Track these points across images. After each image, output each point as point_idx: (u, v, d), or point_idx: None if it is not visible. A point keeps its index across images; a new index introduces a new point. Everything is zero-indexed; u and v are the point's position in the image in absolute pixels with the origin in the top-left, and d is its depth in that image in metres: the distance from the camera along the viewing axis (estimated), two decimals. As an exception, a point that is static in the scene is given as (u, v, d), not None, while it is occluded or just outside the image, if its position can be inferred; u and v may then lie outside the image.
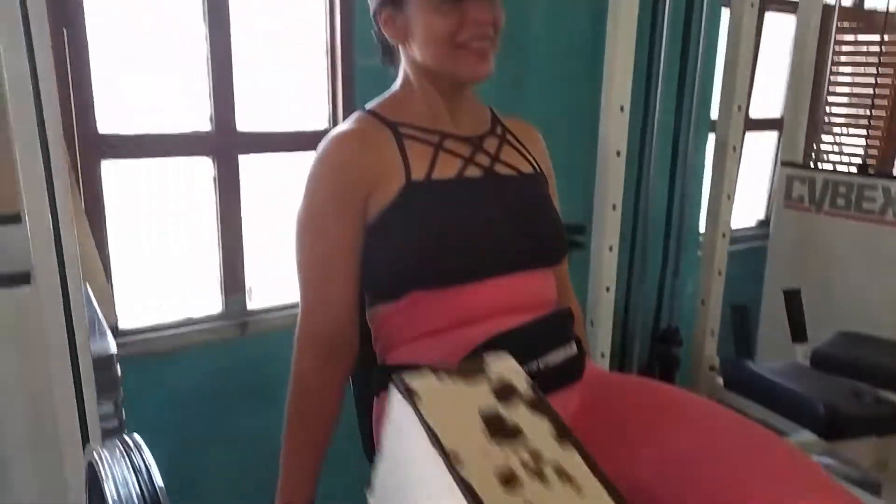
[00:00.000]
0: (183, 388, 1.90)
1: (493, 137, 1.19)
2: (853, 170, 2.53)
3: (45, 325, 1.17)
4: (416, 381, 0.67)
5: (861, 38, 2.83)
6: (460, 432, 0.61)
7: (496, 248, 1.09)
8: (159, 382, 1.87)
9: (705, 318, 2.62)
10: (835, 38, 2.55)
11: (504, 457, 0.60)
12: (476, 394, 0.68)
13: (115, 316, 1.82)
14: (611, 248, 2.25)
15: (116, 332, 1.82)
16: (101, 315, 1.43)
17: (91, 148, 1.73)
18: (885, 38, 2.65)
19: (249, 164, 1.99)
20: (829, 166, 2.53)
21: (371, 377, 1.19)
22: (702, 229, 2.96)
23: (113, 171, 1.81)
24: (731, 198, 2.54)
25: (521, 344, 1.04)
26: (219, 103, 1.88)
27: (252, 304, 2.06)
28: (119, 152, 1.79)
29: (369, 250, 1.11)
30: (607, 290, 2.29)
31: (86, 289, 1.36)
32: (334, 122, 2.06)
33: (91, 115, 1.73)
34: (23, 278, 1.18)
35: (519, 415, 0.66)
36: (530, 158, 1.22)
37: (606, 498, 0.59)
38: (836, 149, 2.77)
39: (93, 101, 1.73)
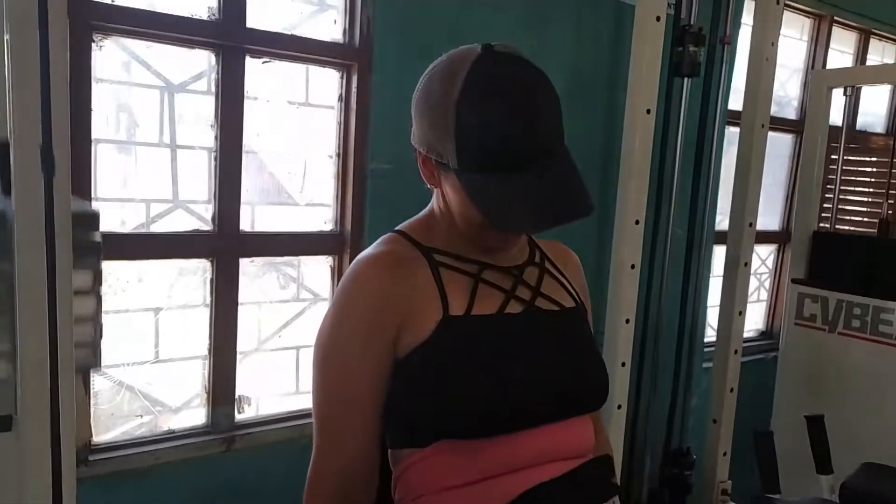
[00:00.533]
0: (159, 511, 1.72)
1: (533, 267, 1.10)
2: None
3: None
4: None
5: (864, 158, 2.87)
6: None
7: (539, 397, 0.99)
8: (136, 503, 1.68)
9: (717, 439, 2.49)
10: (843, 158, 2.58)
11: None
12: None
13: (90, 431, 1.66)
14: (623, 364, 2.16)
15: (89, 448, 1.65)
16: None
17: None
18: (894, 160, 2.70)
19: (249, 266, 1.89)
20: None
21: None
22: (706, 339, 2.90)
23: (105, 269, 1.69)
24: (742, 314, 2.47)
25: (562, 498, 0.92)
26: (223, 202, 1.79)
27: (241, 415, 1.90)
28: (113, 253, 1.68)
29: (397, 389, 1.00)
30: (619, 407, 2.18)
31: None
32: (341, 225, 1.97)
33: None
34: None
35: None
36: (571, 290, 1.13)
37: None
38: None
39: (90, 194, 1.63)
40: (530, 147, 0.92)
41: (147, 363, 1.83)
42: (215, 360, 1.84)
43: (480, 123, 0.92)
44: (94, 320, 1.54)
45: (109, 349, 1.77)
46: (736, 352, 2.46)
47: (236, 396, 1.89)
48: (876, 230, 2.71)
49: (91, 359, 1.55)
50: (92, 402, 1.70)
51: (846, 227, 2.88)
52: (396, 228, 1.09)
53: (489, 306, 1.02)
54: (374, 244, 1.06)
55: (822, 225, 2.66)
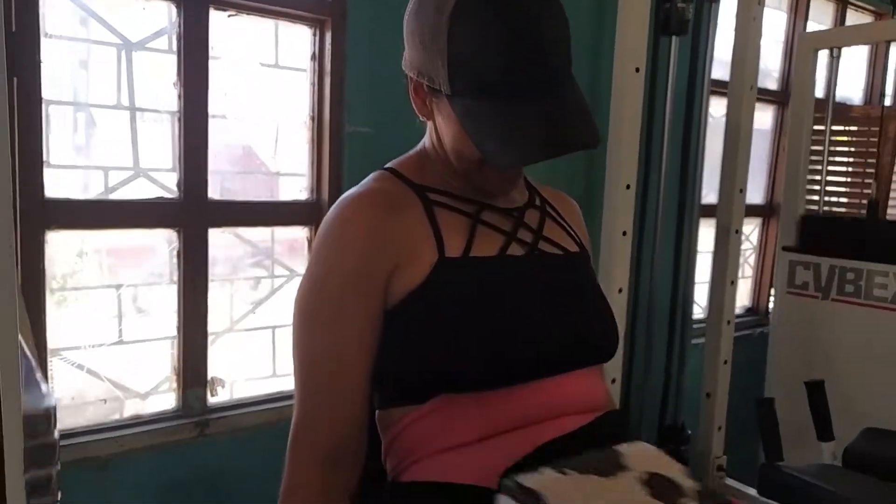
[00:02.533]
0: (126, 501, 1.58)
1: (533, 210, 1.01)
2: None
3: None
4: (535, 481, 0.52)
5: (846, 128, 2.84)
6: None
7: (547, 344, 0.90)
8: (98, 494, 1.55)
9: (712, 413, 2.42)
10: (830, 129, 2.53)
11: None
12: (620, 487, 0.51)
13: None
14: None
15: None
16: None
17: (35, 215, 1.48)
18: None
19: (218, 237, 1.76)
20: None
21: (379, 499, 0.94)
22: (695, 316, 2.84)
23: (58, 241, 1.56)
24: (734, 283, 2.40)
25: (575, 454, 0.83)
26: (189, 168, 1.66)
27: (214, 398, 1.77)
28: (68, 221, 1.54)
29: (389, 340, 0.89)
30: (612, 381, 2.09)
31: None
32: (317, 194, 1.85)
33: (38, 178, 1.48)
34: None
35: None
36: (574, 234, 1.04)
37: None
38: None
39: (41, 161, 1.49)
40: (531, 73, 0.82)
41: (110, 345, 1.70)
42: (185, 339, 1.71)
43: (476, 44, 0.81)
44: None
45: (68, 330, 1.63)
46: (729, 322, 2.39)
47: (208, 378, 1.76)
48: (865, 211, 2.67)
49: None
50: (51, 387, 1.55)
51: (835, 201, 2.83)
52: (386, 166, 0.98)
53: (489, 248, 0.92)
54: (361, 183, 0.95)
55: (809, 207, 2.60)
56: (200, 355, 1.73)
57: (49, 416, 0.94)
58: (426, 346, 0.87)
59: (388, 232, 0.87)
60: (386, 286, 0.88)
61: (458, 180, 0.95)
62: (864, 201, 2.87)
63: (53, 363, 1.60)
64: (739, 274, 3.50)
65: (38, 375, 1.01)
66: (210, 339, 1.76)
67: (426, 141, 0.98)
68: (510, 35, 0.81)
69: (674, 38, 2.20)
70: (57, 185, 1.55)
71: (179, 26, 1.63)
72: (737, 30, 2.30)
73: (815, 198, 2.59)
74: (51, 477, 1.04)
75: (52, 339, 1.57)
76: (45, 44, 1.48)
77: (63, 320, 1.62)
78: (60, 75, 1.57)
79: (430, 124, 0.95)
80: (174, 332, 1.71)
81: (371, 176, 0.97)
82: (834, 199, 2.96)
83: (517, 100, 0.82)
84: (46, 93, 1.50)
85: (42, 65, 1.47)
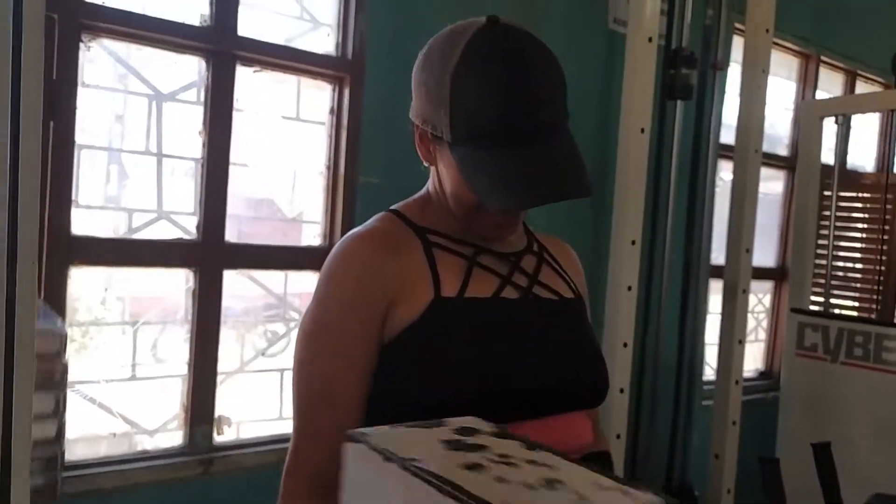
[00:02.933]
0: (127, 537, 1.60)
1: (530, 255, 1.05)
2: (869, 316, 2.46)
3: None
4: (367, 432, 0.62)
5: (858, 194, 2.88)
6: (418, 449, 0.56)
7: (536, 387, 0.92)
8: (99, 529, 1.57)
9: (720, 474, 2.39)
10: (836, 195, 2.58)
11: (468, 457, 0.56)
12: (434, 433, 0.62)
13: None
14: (622, 391, 2.08)
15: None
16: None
17: (60, 251, 1.55)
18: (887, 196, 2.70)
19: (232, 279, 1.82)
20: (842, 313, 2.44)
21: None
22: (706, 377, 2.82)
23: (80, 278, 1.63)
24: (742, 343, 2.41)
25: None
26: (208, 212, 1.74)
27: (220, 437, 1.80)
28: (91, 258, 1.62)
29: (383, 375, 0.92)
30: (617, 437, 2.09)
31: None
32: (331, 240, 1.92)
33: (66, 216, 1.57)
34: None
35: (483, 439, 0.61)
36: (570, 281, 1.07)
37: (585, 470, 0.55)
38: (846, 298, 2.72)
39: (70, 201, 1.58)
40: (526, 122, 0.88)
41: (123, 380, 1.75)
42: (195, 377, 1.75)
43: (475, 94, 0.88)
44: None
45: (83, 364, 1.69)
46: (737, 382, 2.38)
47: (216, 416, 1.79)
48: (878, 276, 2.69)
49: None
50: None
51: (849, 266, 2.83)
52: (390, 208, 1.04)
53: (484, 290, 0.96)
54: (365, 223, 1.01)
55: (817, 271, 2.61)
56: (209, 394, 1.77)
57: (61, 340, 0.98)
58: (418, 383, 0.89)
59: (386, 268, 0.92)
60: (383, 319, 0.92)
61: (457, 224, 0.99)
62: (878, 267, 2.88)
63: (68, 395, 1.64)
64: (753, 337, 3.49)
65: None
66: (220, 378, 1.80)
67: (429, 185, 1.03)
68: (507, 87, 0.87)
69: (679, 102, 2.28)
70: (85, 224, 1.63)
71: (208, 80, 1.73)
72: (741, 97, 2.38)
73: (824, 262, 2.61)
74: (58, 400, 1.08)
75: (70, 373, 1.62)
76: (83, 92, 1.59)
77: (80, 354, 1.68)
78: (95, 121, 1.68)
79: (433, 170, 1.01)
80: (185, 370, 1.76)
81: (376, 216, 1.02)
82: (849, 263, 2.97)
83: (512, 148, 0.88)
84: (80, 137, 1.60)
85: (77, 111, 1.57)
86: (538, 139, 0.88)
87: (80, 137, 1.61)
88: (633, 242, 2.06)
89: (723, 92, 2.58)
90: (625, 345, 2.07)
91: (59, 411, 1.21)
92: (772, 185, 3.43)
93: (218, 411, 1.80)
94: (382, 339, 0.92)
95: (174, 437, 1.77)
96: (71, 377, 1.63)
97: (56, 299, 1.55)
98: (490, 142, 0.88)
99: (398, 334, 0.91)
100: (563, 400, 0.95)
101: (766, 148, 2.79)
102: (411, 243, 0.96)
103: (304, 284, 1.99)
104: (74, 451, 1.64)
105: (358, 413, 0.93)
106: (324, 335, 0.92)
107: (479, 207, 0.93)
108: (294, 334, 1.93)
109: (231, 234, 1.80)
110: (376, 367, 0.93)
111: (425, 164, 1.00)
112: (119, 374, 1.74)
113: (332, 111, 1.92)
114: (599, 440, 1.10)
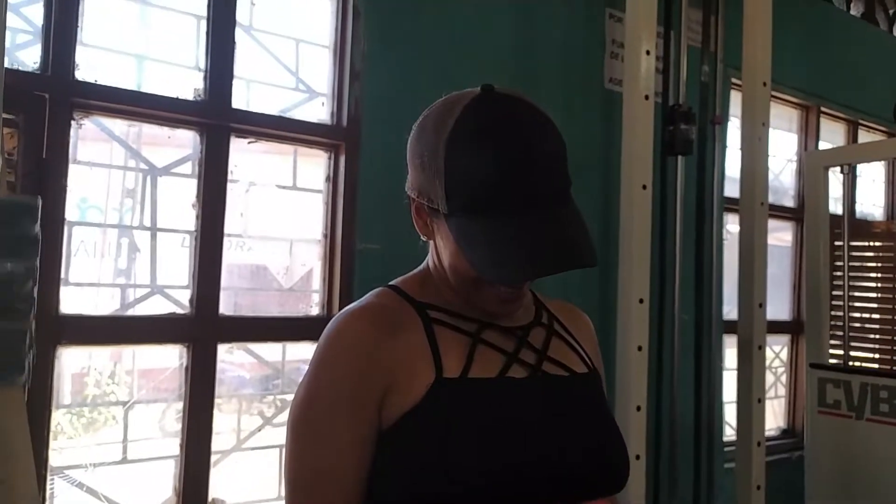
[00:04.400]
0: None
1: (539, 328, 0.98)
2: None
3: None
4: None
5: (870, 243, 2.82)
6: None
7: (547, 475, 0.85)
8: None
9: (748, 545, 2.25)
10: (848, 245, 2.51)
11: None
12: None
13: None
14: (637, 457, 1.98)
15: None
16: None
17: (47, 330, 1.51)
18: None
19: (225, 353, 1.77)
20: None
21: None
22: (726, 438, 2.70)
23: (68, 357, 1.58)
24: (762, 401, 2.31)
25: None
26: (202, 285, 1.70)
27: (215, 523, 1.71)
28: (79, 337, 1.57)
29: (382, 464, 0.85)
30: (636, 509, 1.97)
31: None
32: (328, 309, 1.87)
33: (54, 294, 1.53)
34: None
35: None
36: (583, 354, 1.00)
37: None
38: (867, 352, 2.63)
39: (59, 278, 1.54)
40: (523, 189, 0.83)
41: (113, 464, 1.67)
42: (188, 458, 1.67)
43: (469, 163, 0.84)
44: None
45: (71, 448, 1.62)
46: (759, 444, 2.27)
47: (210, 500, 1.70)
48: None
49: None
50: (48, 507, 1.52)
51: (866, 317, 2.75)
52: (389, 283, 0.98)
53: (488, 369, 0.89)
54: (362, 298, 0.95)
55: (834, 323, 2.52)
56: (202, 476, 1.68)
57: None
58: (420, 471, 0.82)
59: (383, 350, 0.86)
60: (380, 406, 0.85)
61: (458, 298, 0.94)
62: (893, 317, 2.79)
63: (54, 482, 1.57)
64: (773, 393, 3.37)
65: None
66: (215, 458, 1.72)
67: (428, 260, 0.98)
68: (502, 158, 0.83)
69: (679, 158, 2.25)
70: (74, 302, 1.59)
71: (202, 152, 1.72)
72: (743, 150, 2.36)
73: (840, 313, 2.52)
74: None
75: (55, 457, 1.55)
76: (74, 169, 1.58)
77: (67, 437, 1.61)
78: (86, 197, 1.66)
79: (431, 243, 0.96)
80: (177, 451, 1.68)
81: (373, 292, 0.96)
82: (865, 314, 2.89)
83: (509, 218, 0.83)
84: (70, 214, 1.58)
85: (68, 189, 1.55)
86: (536, 207, 0.84)
87: (69, 214, 1.59)
88: (641, 301, 1.99)
89: (724, 146, 2.56)
90: (638, 408, 1.98)
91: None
92: (781, 234, 3.38)
93: (212, 493, 1.71)
94: (381, 426, 0.85)
95: (165, 523, 1.68)
96: (57, 462, 1.57)
97: (41, 381, 1.49)
98: (486, 211, 0.83)
99: (398, 420, 0.84)
100: (580, 489, 0.87)
101: (772, 199, 2.75)
102: (411, 320, 0.90)
103: (304, 353, 1.93)
104: (60, 543, 1.56)
105: (357, 501, 0.86)
106: (318, 418, 0.86)
107: (480, 281, 0.88)
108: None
109: (226, 307, 1.76)
110: (375, 454, 0.86)
111: (423, 238, 0.95)
112: (109, 458, 1.66)
113: (328, 178, 1.90)
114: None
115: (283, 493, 1.83)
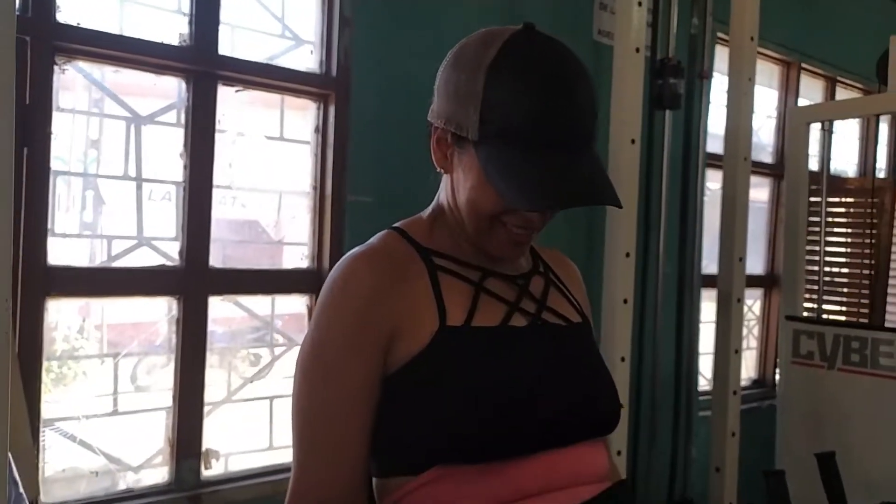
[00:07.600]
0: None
1: (538, 276, 1.00)
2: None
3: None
4: None
5: (844, 199, 2.89)
6: None
7: (548, 417, 0.88)
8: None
9: (721, 487, 2.35)
10: (826, 200, 2.57)
11: None
12: None
13: (38, 489, 1.47)
14: (622, 406, 2.03)
15: (36, 509, 1.46)
16: (22, 490, 1.10)
17: (36, 282, 1.48)
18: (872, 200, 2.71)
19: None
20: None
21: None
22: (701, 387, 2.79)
23: (57, 309, 1.56)
24: (738, 353, 2.38)
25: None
26: (191, 237, 1.68)
27: (208, 471, 1.73)
28: (69, 289, 1.55)
29: (387, 408, 0.87)
30: (619, 453, 2.04)
31: (9, 460, 1.05)
32: (318, 262, 1.86)
33: (42, 246, 1.50)
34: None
35: None
36: (576, 303, 1.03)
37: None
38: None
39: (46, 230, 1.51)
40: (562, 129, 0.84)
41: (105, 416, 1.67)
42: (180, 410, 1.68)
43: (511, 94, 0.83)
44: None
45: (63, 400, 1.61)
46: (735, 392, 2.35)
47: (203, 450, 1.72)
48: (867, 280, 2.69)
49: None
50: (41, 458, 1.52)
51: (836, 271, 2.84)
52: (394, 225, 0.98)
53: (491, 318, 0.91)
54: (367, 242, 0.95)
55: (809, 277, 2.60)
56: (195, 427, 1.70)
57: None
58: (424, 415, 0.85)
59: (388, 296, 0.87)
60: (386, 347, 0.87)
61: (467, 243, 0.94)
62: (866, 271, 2.88)
63: (46, 434, 1.56)
64: (745, 345, 3.47)
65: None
66: (207, 409, 1.73)
67: (440, 197, 0.98)
68: (547, 88, 0.83)
69: (667, 112, 2.26)
70: (62, 254, 1.56)
71: (188, 101, 1.68)
72: (729, 105, 2.37)
73: (815, 268, 2.60)
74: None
75: (47, 409, 1.54)
76: (58, 117, 1.53)
77: (58, 390, 1.60)
78: (71, 147, 1.61)
79: (445, 179, 0.96)
80: (170, 403, 1.69)
81: (378, 235, 0.96)
82: (836, 269, 2.97)
83: (543, 151, 0.84)
84: (55, 164, 1.53)
85: (52, 137, 1.51)
86: (569, 147, 0.85)
87: (55, 164, 1.54)
88: (628, 255, 2.02)
89: (708, 101, 2.57)
90: (622, 359, 2.03)
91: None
92: (756, 192, 3.44)
93: (205, 444, 1.72)
94: (386, 371, 0.87)
95: (160, 474, 1.69)
96: (49, 414, 1.56)
97: (32, 333, 1.48)
98: (520, 142, 0.83)
99: (402, 366, 0.87)
100: (577, 429, 0.91)
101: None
102: (416, 266, 0.91)
103: (291, 307, 1.93)
104: (52, 492, 1.56)
105: (361, 450, 0.88)
106: (325, 360, 0.88)
107: (496, 218, 0.88)
108: (282, 361, 1.88)
109: (215, 259, 1.74)
110: (380, 399, 0.88)
111: (439, 170, 0.95)
112: (100, 409, 1.66)
113: (317, 129, 1.87)
114: (613, 468, 1.06)
115: (273, 444, 1.86)
